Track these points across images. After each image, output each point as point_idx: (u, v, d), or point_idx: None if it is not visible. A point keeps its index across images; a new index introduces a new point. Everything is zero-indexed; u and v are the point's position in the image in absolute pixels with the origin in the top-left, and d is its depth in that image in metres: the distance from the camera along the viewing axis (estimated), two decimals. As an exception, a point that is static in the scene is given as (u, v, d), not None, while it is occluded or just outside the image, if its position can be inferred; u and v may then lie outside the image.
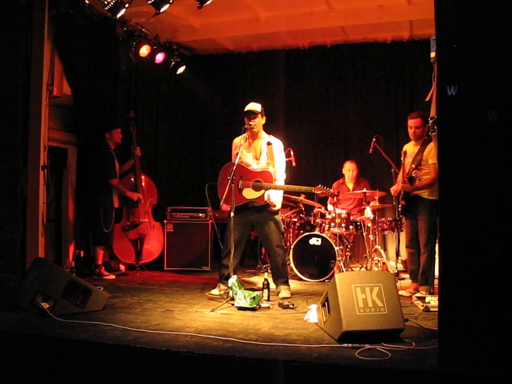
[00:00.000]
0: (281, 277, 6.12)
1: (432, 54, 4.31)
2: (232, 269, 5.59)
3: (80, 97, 7.64)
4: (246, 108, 6.13)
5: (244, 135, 6.15)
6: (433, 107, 4.26)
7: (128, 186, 7.72)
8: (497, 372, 3.03)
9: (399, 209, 6.35)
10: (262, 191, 5.94)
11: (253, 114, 6.04)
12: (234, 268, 5.64)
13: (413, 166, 6.04)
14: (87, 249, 7.99)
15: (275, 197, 6.03)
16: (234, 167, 5.71)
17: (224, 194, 5.70)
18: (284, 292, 6.00)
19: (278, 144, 6.18)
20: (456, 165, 3.26)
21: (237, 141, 6.24)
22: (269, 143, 6.13)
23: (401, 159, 6.35)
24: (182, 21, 8.54)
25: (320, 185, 6.09)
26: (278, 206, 6.09)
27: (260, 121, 6.11)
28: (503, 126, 3.16)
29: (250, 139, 6.19)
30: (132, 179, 7.86)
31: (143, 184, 7.94)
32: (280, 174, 6.09)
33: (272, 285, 5.98)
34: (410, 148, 6.28)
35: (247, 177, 5.99)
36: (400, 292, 6.01)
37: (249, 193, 5.99)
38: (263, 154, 6.13)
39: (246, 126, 6.01)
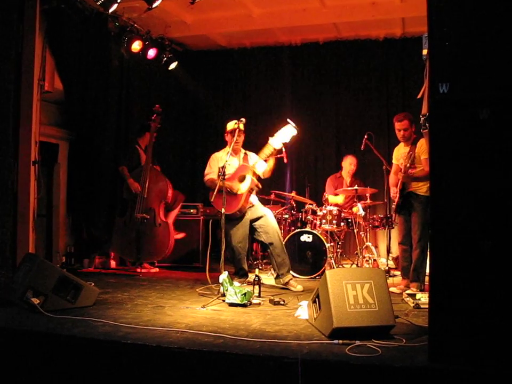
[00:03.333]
0: (286, 265, 6.36)
1: (424, 51, 4.32)
2: (223, 264, 5.65)
3: (72, 92, 7.61)
4: (232, 127, 6.35)
5: (226, 150, 6.47)
6: (425, 104, 4.27)
7: (135, 178, 7.52)
8: (486, 368, 3.05)
9: (393, 206, 6.35)
10: (248, 178, 6.23)
11: (240, 131, 6.28)
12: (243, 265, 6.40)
13: (407, 165, 6.01)
14: (78, 245, 7.98)
15: (254, 199, 6.49)
16: (225, 162, 6.00)
17: (216, 190, 5.93)
18: (295, 284, 6.30)
19: (250, 153, 6.55)
20: (447, 162, 3.26)
21: (219, 155, 6.59)
22: (245, 153, 6.54)
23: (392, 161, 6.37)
24: (175, 17, 8.53)
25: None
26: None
27: (241, 138, 6.45)
28: (494, 124, 3.16)
29: (233, 154, 6.44)
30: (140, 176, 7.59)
31: (153, 184, 7.57)
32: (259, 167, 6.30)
33: (267, 281, 6.01)
34: (401, 149, 6.28)
35: (233, 180, 6.28)
36: (391, 289, 6.02)
37: (242, 186, 6.25)
38: (245, 161, 6.47)
39: (233, 142, 6.27)
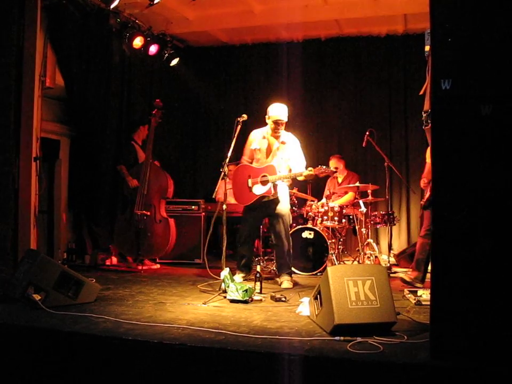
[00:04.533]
0: (286, 267, 6.30)
1: (427, 48, 4.31)
2: (224, 260, 5.66)
3: (73, 88, 7.60)
4: (279, 115, 6.22)
5: (264, 131, 6.39)
6: (427, 101, 4.26)
7: (134, 175, 7.47)
8: (487, 365, 3.05)
9: (422, 202, 6.39)
10: (269, 184, 6.11)
11: (283, 122, 6.23)
12: (249, 258, 6.41)
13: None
14: (80, 241, 7.98)
15: (281, 189, 6.28)
16: (226, 159, 5.83)
17: (217, 186, 5.99)
18: (286, 283, 6.18)
19: (291, 141, 6.34)
20: (449, 159, 3.25)
21: (256, 135, 6.46)
22: (282, 142, 6.32)
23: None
24: (176, 13, 8.51)
25: (320, 166, 6.11)
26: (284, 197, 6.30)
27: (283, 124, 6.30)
28: (496, 120, 3.15)
29: (269, 138, 6.37)
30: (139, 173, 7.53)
31: (154, 181, 7.51)
32: (301, 167, 6.17)
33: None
34: None
35: (255, 174, 6.22)
36: (400, 274, 6.10)
37: (258, 189, 6.19)
38: (276, 152, 6.32)
39: (273, 130, 6.24)
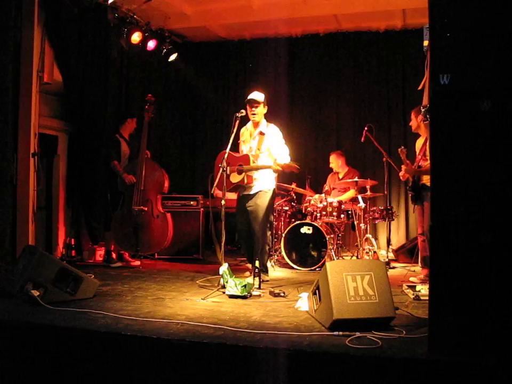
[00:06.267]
0: (256, 254, 6.14)
1: (425, 43, 4.29)
2: (223, 256, 5.68)
3: (71, 84, 7.57)
4: (250, 96, 6.23)
5: (248, 124, 6.45)
6: (426, 96, 4.25)
7: (129, 171, 7.42)
8: (486, 360, 3.05)
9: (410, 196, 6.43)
10: (243, 173, 6.18)
11: (255, 103, 6.20)
12: (251, 254, 6.20)
13: (419, 156, 6.07)
14: (78, 237, 7.98)
15: (261, 183, 6.25)
16: (226, 155, 5.85)
17: (216, 182, 5.93)
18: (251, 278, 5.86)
19: (271, 132, 6.28)
20: (447, 154, 3.25)
21: (242, 130, 6.50)
22: (261, 133, 6.29)
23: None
24: (174, 8, 8.49)
25: (290, 162, 6.06)
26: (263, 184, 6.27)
27: (262, 110, 6.26)
28: (495, 116, 3.15)
29: (252, 127, 6.39)
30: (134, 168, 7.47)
31: (150, 176, 7.47)
32: (281, 159, 6.08)
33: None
34: (420, 141, 6.31)
35: (233, 163, 6.20)
36: (411, 279, 6.08)
37: (234, 177, 6.25)
38: (250, 140, 6.35)
39: (249, 114, 6.23)
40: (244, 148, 6.42)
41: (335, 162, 8.45)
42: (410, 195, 6.29)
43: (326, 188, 8.29)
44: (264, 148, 6.23)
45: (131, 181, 7.26)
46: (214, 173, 6.26)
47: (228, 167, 6.00)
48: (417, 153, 6.28)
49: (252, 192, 6.27)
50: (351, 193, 8.02)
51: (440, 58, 3.25)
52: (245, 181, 6.20)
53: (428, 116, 3.97)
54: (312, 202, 7.75)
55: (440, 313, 3.23)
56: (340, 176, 8.44)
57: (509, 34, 3.13)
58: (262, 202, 6.20)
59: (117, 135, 7.45)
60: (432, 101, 3.33)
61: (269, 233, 6.34)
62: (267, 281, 6.13)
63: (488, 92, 3.17)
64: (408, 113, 8.75)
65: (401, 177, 6.45)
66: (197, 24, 9.15)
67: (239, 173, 6.23)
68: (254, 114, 6.21)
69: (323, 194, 7.91)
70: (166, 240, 7.51)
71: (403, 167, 6.22)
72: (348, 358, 3.26)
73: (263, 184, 6.25)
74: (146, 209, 7.30)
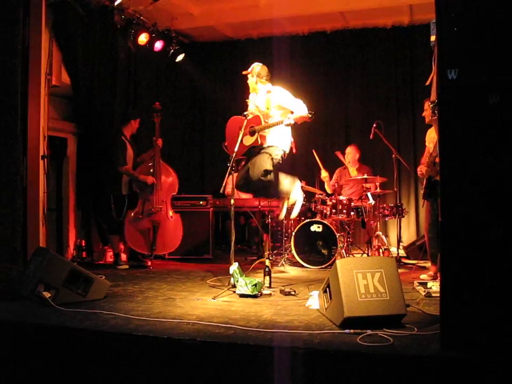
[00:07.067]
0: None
1: (433, 38, 4.28)
2: (233, 255, 5.66)
3: (79, 86, 7.58)
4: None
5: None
6: (434, 91, 4.24)
7: (145, 174, 7.47)
8: (499, 357, 3.03)
9: (421, 191, 6.33)
10: (256, 134, 6.25)
11: (252, 69, 6.59)
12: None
13: (436, 152, 5.96)
14: (89, 238, 8.01)
15: (271, 136, 6.33)
16: (233, 154, 5.85)
17: (224, 182, 5.91)
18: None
19: (277, 89, 6.47)
20: (456, 149, 3.23)
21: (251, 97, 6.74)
22: (268, 91, 6.48)
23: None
24: (181, 8, 8.51)
25: (296, 115, 6.06)
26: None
27: (251, 80, 6.58)
28: (504, 109, 3.13)
29: (255, 92, 6.65)
30: (151, 169, 7.51)
31: (164, 177, 7.60)
32: (298, 111, 6.11)
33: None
34: (431, 133, 6.21)
35: (240, 125, 6.25)
36: (422, 276, 6.05)
37: (248, 140, 6.33)
38: (261, 101, 6.50)
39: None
40: (250, 106, 6.58)
41: (352, 153, 8.43)
42: (423, 192, 6.21)
43: (335, 183, 8.27)
44: (274, 104, 6.34)
45: (153, 181, 7.31)
46: (226, 138, 6.58)
47: (240, 132, 6.05)
48: (427, 145, 6.19)
49: (265, 145, 6.31)
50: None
51: (448, 53, 3.23)
52: (259, 141, 6.24)
53: (436, 111, 3.95)
54: (321, 200, 7.74)
55: (452, 310, 3.21)
56: (351, 172, 8.41)
57: (516, 28, 3.11)
58: (270, 152, 6.24)
59: (122, 138, 7.48)
60: (440, 96, 3.31)
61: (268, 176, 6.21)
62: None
63: (496, 86, 3.14)
64: (416, 109, 8.74)
65: (419, 173, 6.35)
66: (203, 24, 9.15)
67: (252, 134, 6.28)
68: (252, 79, 6.55)
69: (327, 187, 7.95)
70: (179, 241, 7.58)
71: (423, 167, 6.12)
72: (359, 355, 3.25)
73: (275, 141, 6.31)
74: (162, 207, 7.38)
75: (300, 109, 6.11)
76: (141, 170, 7.48)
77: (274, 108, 6.34)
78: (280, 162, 6.30)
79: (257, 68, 6.55)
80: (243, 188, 6.51)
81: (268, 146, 6.29)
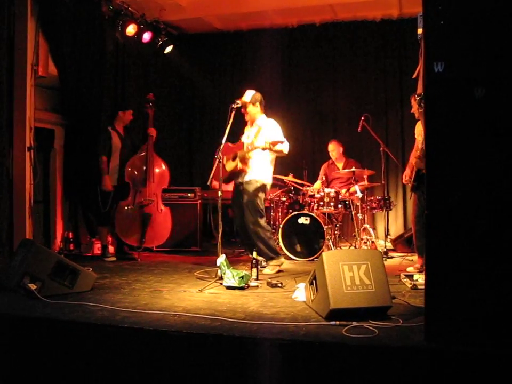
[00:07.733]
0: (263, 255, 6.19)
1: (419, 31, 4.29)
2: (220, 248, 5.69)
3: (67, 77, 7.52)
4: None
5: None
6: (420, 84, 4.25)
7: (137, 167, 7.40)
8: (482, 348, 3.06)
9: (409, 184, 6.35)
10: (237, 159, 6.25)
11: (242, 107, 6.30)
12: (250, 250, 6.00)
13: (423, 147, 5.98)
14: (76, 230, 7.97)
15: (255, 169, 6.29)
16: (222, 146, 5.91)
17: (212, 173, 5.95)
18: (267, 269, 6.19)
19: (267, 123, 6.36)
20: (442, 142, 3.24)
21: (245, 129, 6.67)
22: (259, 125, 6.38)
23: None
24: (169, -1, 8.45)
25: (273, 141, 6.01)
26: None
27: (251, 109, 6.37)
28: (490, 103, 3.14)
29: (249, 124, 6.55)
30: (143, 160, 7.41)
31: (156, 170, 7.51)
32: (273, 138, 6.07)
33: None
34: (419, 126, 6.22)
35: (228, 152, 6.35)
36: (408, 269, 6.07)
37: (229, 165, 6.37)
38: (252, 132, 6.41)
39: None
40: (244, 139, 6.49)
41: (336, 150, 8.44)
42: (411, 185, 6.23)
43: (323, 178, 8.27)
44: (261, 138, 6.20)
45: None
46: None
47: (224, 157, 6.11)
48: (416, 138, 6.21)
49: (245, 179, 6.28)
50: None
51: (434, 46, 3.23)
52: (239, 166, 6.22)
53: (422, 104, 3.96)
54: (309, 192, 7.75)
55: (436, 301, 3.23)
56: (339, 166, 8.42)
57: (502, 21, 3.11)
58: (251, 190, 6.22)
59: (109, 128, 7.40)
60: (427, 89, 3.32)
61: (262, 220, 6.27)
62: (281, 271, 6.30)
63: (482, 79, 3.16)
64: (404, 102, 8.76)
65: (405, 180, 6.40)
66: (192, 15, 9.10)
67: (233, 159, 6.29)
68: (245, 114, 6.40)
69: (319, 183, 7.95)
70: (168, 233, 7.56)
71: (407, 172, 6.19)
72: (345, 347, 3.27)
73: (256, 174, 6.27)
74: (154, 200, 7.38)
75: (282, 142, 6.07)
76: (133, 161, 7.41)
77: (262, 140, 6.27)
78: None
79: (256, 95, 6.40)
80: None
81: (252, 180, 6.27)
